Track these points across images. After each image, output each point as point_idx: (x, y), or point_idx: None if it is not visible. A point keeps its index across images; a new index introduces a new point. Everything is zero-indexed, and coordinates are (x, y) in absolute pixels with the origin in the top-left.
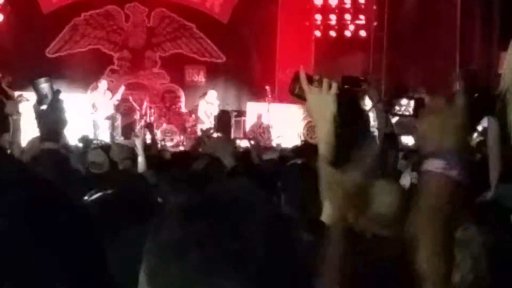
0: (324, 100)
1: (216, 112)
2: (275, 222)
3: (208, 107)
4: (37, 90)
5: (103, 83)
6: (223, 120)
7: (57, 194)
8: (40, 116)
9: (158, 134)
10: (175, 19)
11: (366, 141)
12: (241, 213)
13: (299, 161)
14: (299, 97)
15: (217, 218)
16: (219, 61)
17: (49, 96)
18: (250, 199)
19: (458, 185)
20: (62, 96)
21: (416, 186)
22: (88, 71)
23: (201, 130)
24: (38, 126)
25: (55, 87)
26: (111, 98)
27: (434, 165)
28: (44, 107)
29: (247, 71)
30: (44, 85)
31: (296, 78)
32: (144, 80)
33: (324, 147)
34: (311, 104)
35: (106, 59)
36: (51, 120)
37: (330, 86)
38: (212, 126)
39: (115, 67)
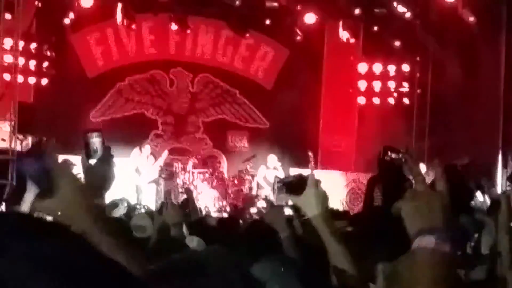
0: None
1: (281, 175)
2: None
3: (268, 172)
4: (87, 144)
5: (146, 148)
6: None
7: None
8: (88, 171)
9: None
10: (219, 84)
11: None
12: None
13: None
14: None
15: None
16: (262, 127)
17: (99, 151)
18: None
19: (451, 259)
20: (112, 152)
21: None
22: (132, 136)
23: (266, 197)
24: (85, 180)
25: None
26: (154, 163)
27: (426, 241)
28: (93, 161)
29: (291, 137)
30: (95, 140)
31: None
32: (187, 145)
33: None
34: None
35: (150, 123)
36: (99, 175)
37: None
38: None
39: (159, 132)
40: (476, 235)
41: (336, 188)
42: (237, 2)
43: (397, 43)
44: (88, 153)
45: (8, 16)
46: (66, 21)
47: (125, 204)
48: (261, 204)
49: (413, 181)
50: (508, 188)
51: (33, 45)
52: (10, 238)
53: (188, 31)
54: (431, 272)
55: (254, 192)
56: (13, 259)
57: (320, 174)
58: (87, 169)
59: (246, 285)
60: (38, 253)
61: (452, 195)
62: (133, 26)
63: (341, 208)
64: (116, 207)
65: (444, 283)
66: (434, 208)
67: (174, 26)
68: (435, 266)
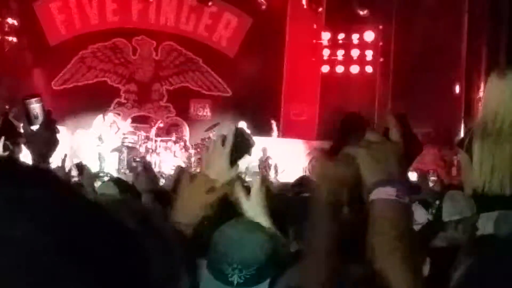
0: None
1: None
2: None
3: None
4: (27, 110)
5: (109, 116)
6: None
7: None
8: (31, 137)
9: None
10: (183, 52)
11: None
12: None
13: (306, 194)
14: None
15: None
16: (225, 95)
17: (40, 117)
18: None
19: (409, 210)
20: (54, 116)
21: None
22: (95, 104)
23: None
24: (28, 148)
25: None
26: (117, 131)
27: (386, 192)
28: (35, 127)
29: (253, 105)
30: (35, 105)
31: None
32: (150, 113)
33: None
34: None
35: (113, 92)
36: (42, 141)
37: None
38: None
39: (122, 100)
40: (437, 202)
41: (298, 156)
42: None
43: (360, 11)
44: (29, 119)
45: None
46: None
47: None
48: None
49: None
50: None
51: None
52: None
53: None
54: (391, 225)
55: None
56: None
57: (282, 142)
58: (29, 135)
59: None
60: (21, 196)
61: (405, 145)
62: None
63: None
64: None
65: (404, 236)
66: (390, 158)
67: None
68: (396, 218)
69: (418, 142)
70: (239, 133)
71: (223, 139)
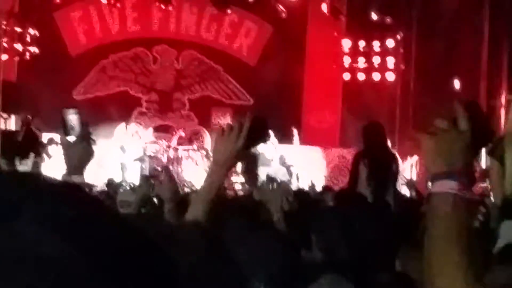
0: None
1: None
2: None
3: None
4: (64, 121)
5: (132, 125)
6: (251, 163)
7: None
8: (67, 148)
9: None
10: (204, 61)
11: None
12: None
13: (330, 205)
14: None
15: None
16: (246, 103)
17: (77, 128)
18: None
19: (472, 207)
20: (90, 129)
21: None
22: (116, 114)
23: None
24: (65, 159)
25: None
26: (138, 140)
27: (447, 186)
28: (71, 138)
29: (274, 113)
30: (72, 117)
31: None
32: (172, 122)
33: None
34: None
35: (135, 101)
36: (78, 153)
37: None
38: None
39: (144, 110)
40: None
41: (320, 164)
42: None
43: (381, 19)
44: (65, 130)
45: None
46: None
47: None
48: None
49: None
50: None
51: (17, 24)
52: (24, 199)
53: (171, 8)
54: (450, 220)
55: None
56: (28, 221)
57: (304, 150)
58: (65, 146)
59: (213, 252)
60: (55, 214)
61: (474, 135)
62: (118, 5)
63: (324, 183)
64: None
65: (463, 233)
66: (456, 148)
67: (157, 4)
68: (456, 213)
69: (488, 131)
70: (256, 121)
71: (240, 124)
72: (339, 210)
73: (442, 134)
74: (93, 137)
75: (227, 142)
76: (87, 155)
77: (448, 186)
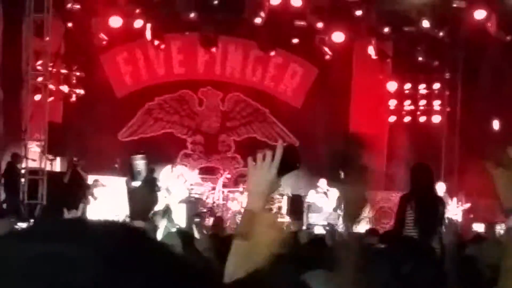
0: None
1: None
2: None
3: (318, 196)
4: (131, 166)
5: (178, 167)
6: (296, 205)
7: None
8: (132, 193)
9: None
10: (250, 103)
11: None
12: None
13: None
14: None
15: None
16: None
17: (143, 173)
18: None
19: None
20: (155, 175)
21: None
22: (161, 156)
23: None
24: (129, 203)
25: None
26: (184, 182)
27: None
28: (136, 183)
29: (320, 155)
30: (139, 162)
31: None
32: (217, 164)
33: None
34: None
35: (180, 143)
36: (142, 198)
37: None
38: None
39: (189, 151)
40: None
41: (366, 207)
42: (265, 22)
43: (427, 61)
44: (132, 175)
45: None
46: (95, 41)
47: None
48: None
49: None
50: None
51: (63, 66)
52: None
53: (215, 50)
54: None
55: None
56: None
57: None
58: (131, 191)
59: None
60: (121, 258)
61: None
62: (162, 46)
63: (368, 226)
64: None
65: None
66: None
67: (203, 47)
68: None
69: None
70: (287, 149)
71: (273, 153)
72: (389, 251)
73: None
74: (159, 183)
75: (260, 171)
76: (151, 201)
77: None
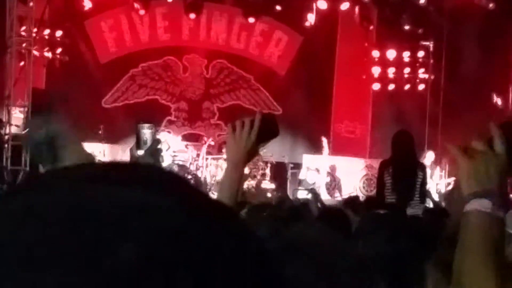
0: None
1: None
2: None
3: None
4: (138, 134)
5: (161, 134)
6: (280, 171)
7: None
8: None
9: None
10: (234, 70)
11: None
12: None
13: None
14: None
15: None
16: (275, 113)
17: (149, 142)
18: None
19: (503, 225)
20: (161, 146)
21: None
22: (145, 122)
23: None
24: None
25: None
26: (167, 149)
27: (481, 205)
28: (141, 152)
29: (304, 123)
30: (146, 131)
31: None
32: (201, 131)
33: None
34: None
35: (164, 110)
36: None
37: None
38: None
39: (173, 118)
40: None
41: (350, 174)
42: None
43: (411, 29)
44: (138, 144)
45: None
46: (80, 7)
47: None
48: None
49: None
50: None
51: (47, 32)
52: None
53: (195, 16)
54: (484, 237)
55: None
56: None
57: (334, 161)
58: (134, 160)
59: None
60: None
61: (510, 156)
62: (142, 12)
63: (355, 194)
64: None
65: (495, 251)
66: (491, 170)
67: (187, 13)
68: (490, 232)
69: None
70: (266, 118)
71: (251, 121)
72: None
73: (478, 156)
74: (163, 154)
75: (239, 140)
76: None
77: (482, 205)
